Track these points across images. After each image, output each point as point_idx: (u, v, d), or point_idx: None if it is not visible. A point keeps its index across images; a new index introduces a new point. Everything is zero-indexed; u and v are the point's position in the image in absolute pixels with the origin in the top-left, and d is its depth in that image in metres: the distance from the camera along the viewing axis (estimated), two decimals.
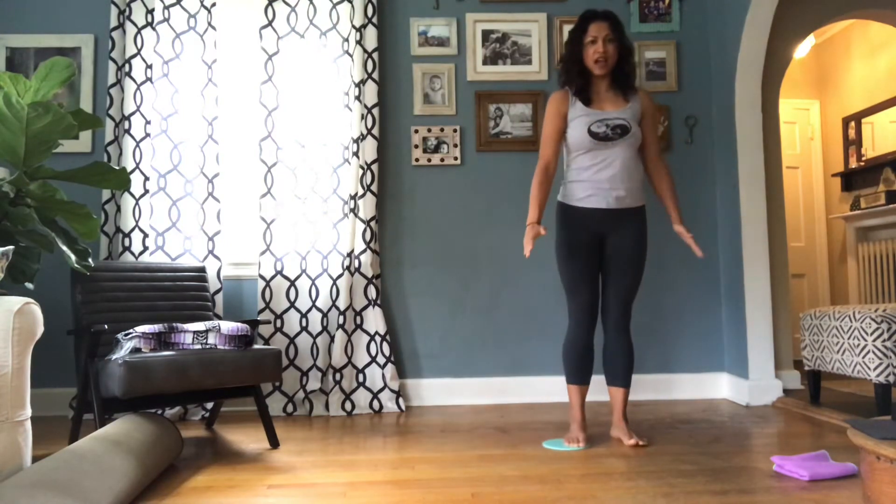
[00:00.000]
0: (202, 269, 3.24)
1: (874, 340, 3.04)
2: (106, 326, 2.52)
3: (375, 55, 3.64)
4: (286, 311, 3.54)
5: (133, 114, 3.47)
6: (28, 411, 1.96)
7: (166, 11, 3.54)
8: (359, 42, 3.59)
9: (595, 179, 2.67)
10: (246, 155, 3.74)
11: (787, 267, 3.90)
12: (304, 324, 3.55)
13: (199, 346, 2.60)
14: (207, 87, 3.55)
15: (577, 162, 2.72)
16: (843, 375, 3.27)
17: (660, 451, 2.56)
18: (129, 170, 3.43)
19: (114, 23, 3.52)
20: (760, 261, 3.56)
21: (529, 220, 2.64)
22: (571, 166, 2.74)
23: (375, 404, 3.50)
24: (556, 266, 2.78)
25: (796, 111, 5.55)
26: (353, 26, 3.60)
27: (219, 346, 2.62)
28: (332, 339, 3.53)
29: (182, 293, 3.09)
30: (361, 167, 3.59)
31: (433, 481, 2.21)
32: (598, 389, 3.64)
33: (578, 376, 2.75)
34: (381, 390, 3.52)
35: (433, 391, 3.65)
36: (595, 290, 2.73)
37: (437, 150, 3.74)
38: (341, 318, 3.50)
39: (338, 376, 3.48)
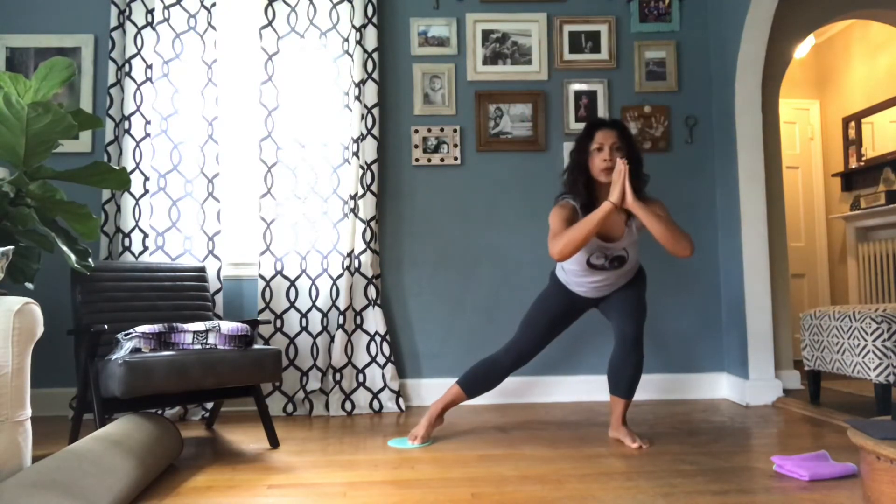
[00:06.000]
0: (202, 269, 3.24)
1: (874, 340, 3.04)
2: (106, 326, 2.52)
3: (375, 55, 3.64)
4: (286, 311, 3.54)
5: (133, 114, 3.47)
6: (28, 411, 1.96)
7: (166, 11, 3.54)
8: (359, 42, 3.59)
9: (592, 287, 2.73)
10: (246, 155, 3.74)
11: (787, 267, 3.89)
12: (304, 324, 3.55)
13: (199, 346, 2.60)
14: (207, 87, 3.55)
15: (575, 267, 2.69)
16: (843, 375, 3.27)
17: (660, 451, 2.56)
18: (129, 170, 3.43)
19: (114, 23, 3.52)
20: (760, 261, 3.56)
21: (604, 208, 2.46)
22: (570, 265, 2.70)
23: (375, 404, 3.50)
24: (532, 303, 2.84)
25: (796, 111, 5.55)
26: (353, 26, 3.60)
27: (219, 346, 2.62)
28: (332, 339, 3.53)
29: (182, 293, 3.09)
30: (361, 167, 3.59)
31: (433, 481, 2.21)
32: (597, 389, 3.65)
33: (470, 387, 2.79)
34: (381, 390, 3.52)
35: (433, 391, 3.65)
36: (542, 343, 2.79)
37: (437, 150, 3.74)
38: (341, 318, 3.50)
39: (338, 376, 3.48)
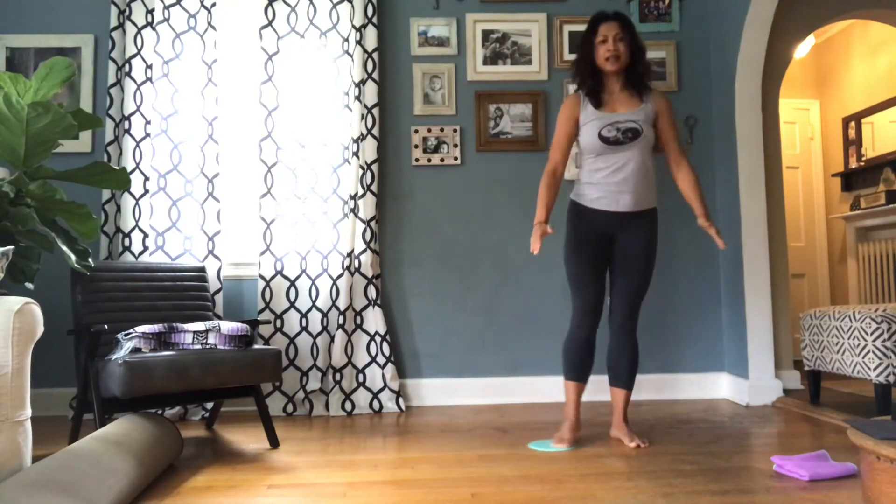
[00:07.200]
0: (202, 269, 3.24)
1: (874, 340, 3.04)
2: (106, 326, 2.52)
3: (375, 55, 3.64)
4: (286, 311, 3.54)
5: (133, 114, 3.47)
6: (28, 411, 1.96)
7: (166, 11, 3.54)
8: (359, 42, 3.59)
9: (606, 183, 2.67)
10: (246, 155, 3.74)
11: (787, 267, 3.89)
12: (304, 324, 3.55)
13: (199, 346, 2.60)
14: (207, 87, 3.55)
15: (588, 164, 2.71)
16: (843, 375, 3.27)
17: (660, 451, 2.56)
18: (129, 170, 3.43)
19: (114, 23, 3.52)
20: (760, 261, 3.56)
21: (537, 219, 2.64)
22: (584, 167, 2.74)
23: (375, 404, 3.50)
24: (564, 263, 2.77)
25: (796, 111, 5.55)
26: (353, 26, 3.60)
27: (219, 346, 2.62)
28: (332, 339, 3.53)
29: (182, 293, 3.09)
30: (361, 167, 3.59)
31: (433, 481, 2.21)
32: (599, 389, 3.64)
33: (576, 372, 2.73)
34: (381, 390, 3.52)
35: (433, 391, 3.65)
36: (599, 288, 2.72)
37: (437, 150, 3.74)
38: (341, 318, 3.50)
39: (338, 376, 3.49)
